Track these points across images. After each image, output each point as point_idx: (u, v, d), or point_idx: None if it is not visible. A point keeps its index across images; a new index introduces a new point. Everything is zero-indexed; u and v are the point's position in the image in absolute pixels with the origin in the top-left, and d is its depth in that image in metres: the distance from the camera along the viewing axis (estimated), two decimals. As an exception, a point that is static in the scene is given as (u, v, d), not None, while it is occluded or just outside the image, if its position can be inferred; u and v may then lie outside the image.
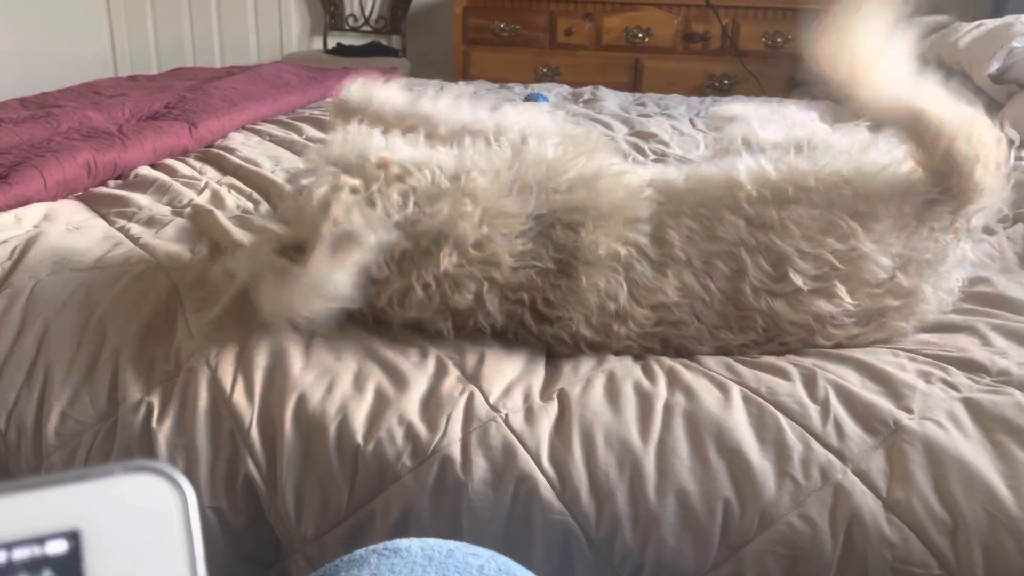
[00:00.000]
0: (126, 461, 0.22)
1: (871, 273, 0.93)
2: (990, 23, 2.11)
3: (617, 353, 0.94)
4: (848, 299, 0.92)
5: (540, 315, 0.92)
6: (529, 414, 0.84)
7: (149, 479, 0.22)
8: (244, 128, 1.85)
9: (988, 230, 1.33)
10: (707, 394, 0.85)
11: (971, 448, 0.77)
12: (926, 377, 0.88)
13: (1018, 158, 1.70)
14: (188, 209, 1.28)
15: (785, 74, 3.81)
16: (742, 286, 0.92)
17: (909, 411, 0.82)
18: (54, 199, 1.31)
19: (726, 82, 3.80)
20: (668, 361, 0.92)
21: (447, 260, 0.87)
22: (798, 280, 0.91)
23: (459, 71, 3.99)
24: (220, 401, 0.86)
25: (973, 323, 1.00)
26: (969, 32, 2.13)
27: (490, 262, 0.89)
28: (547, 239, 0.91)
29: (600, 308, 0.91)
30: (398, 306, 0.91)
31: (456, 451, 0.81)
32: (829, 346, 0.95)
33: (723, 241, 0.93)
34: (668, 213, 0.95)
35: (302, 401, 0.85)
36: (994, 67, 1.91)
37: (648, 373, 0.90)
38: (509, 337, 0.95)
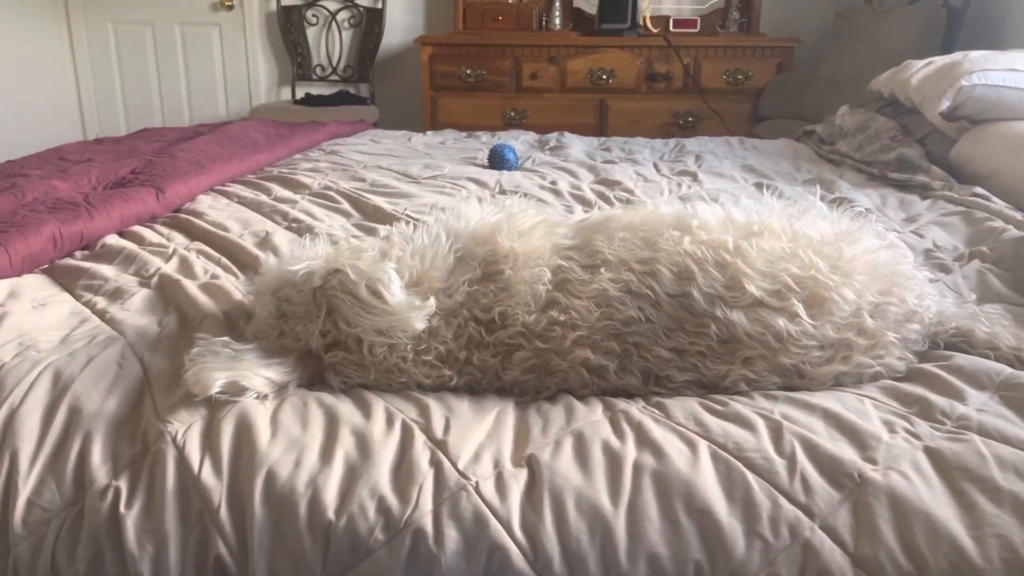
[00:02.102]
0: None
1: (834, 303, 0.98)
2: (940, 61, 2.17)
3: (584, 367, 0.98)
4: (808, 319, 0.97)
5: (486, 323, 1.00)
6: (499, 481, 0.84)
7: None
8: (212, 190, 1.85)
9: (945, 268, 1.36)
10: (675, 452, 0.86)
11: (934, 499, 0.79)
12: (890, 426, 0.89)
13: (972, 195, 1.75)
14: (155, 279, 1.27)
15: (747, 110, 3.89)
16: (690, 290, 0.98)
17: (873, 462, 0.83)
18: (19, 274, 1.30)
19: (690, 119, 3.88)
20: (636, 415, 0.93)
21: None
22: (753, 289, 0.96)
23: (428, 117, 4.03)
24: (188, 481, 0.85)
25: (931, 368, 1.01)
26: (921, 69, 2.20)
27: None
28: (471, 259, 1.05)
29: (534, 296, 1.00)
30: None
31: (428, 523, 0.81)
32: (790, 365, 0.97)
33: (664, 251, 1.01)
34: (594, 229, 1.07)
35: (271, 477, 0.85)
36: (944, 105, 1.97)
37: (617, 430, 0.91)
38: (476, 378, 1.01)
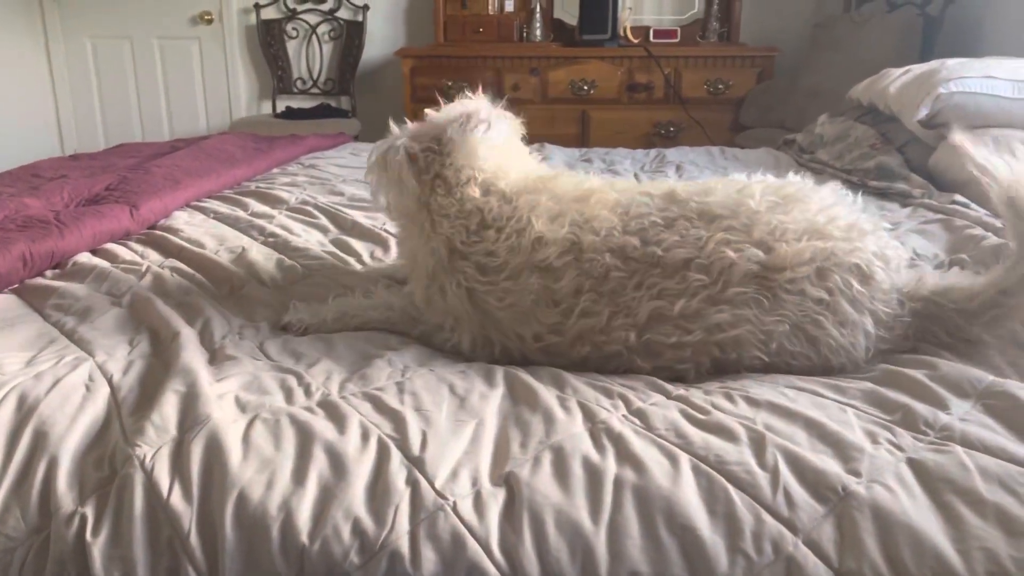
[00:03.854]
0: None
1: (805, 203, 1.09)
2: (917, 69, 2.18)
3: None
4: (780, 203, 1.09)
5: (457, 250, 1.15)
6: (478, 500, 0.82)
7: None
8: (188, 206, 1.83)
9: (926, 276, 1.36)
10: (656, 466, 0.85)
11: (919, 512, 0.78)
12: (872, 437, 0.88)
13: (952, 202, 1.75)
14: (127, 297, 1.25)
15: (728, 119, 3.90)
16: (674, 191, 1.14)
17: (857, 474, 0.82)
18: (-12, 294, 1.28)
19: (671, 129, 3.88)
20: (616, 427, 0.91)
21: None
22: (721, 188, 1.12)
23: (409, 130, 4.02)
24: (157, 506, 0.83)
25: (914, 374, 1.01)
26: (899, 78, 2.20)
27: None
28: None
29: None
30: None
31: (405, 545, 0.79)
32: (765, 235, 1.05)
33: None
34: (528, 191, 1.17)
35: (242, 499, 0.82)
36: (922, 113, 1.98)
37: (597, 443, 0.89)
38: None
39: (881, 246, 1.10)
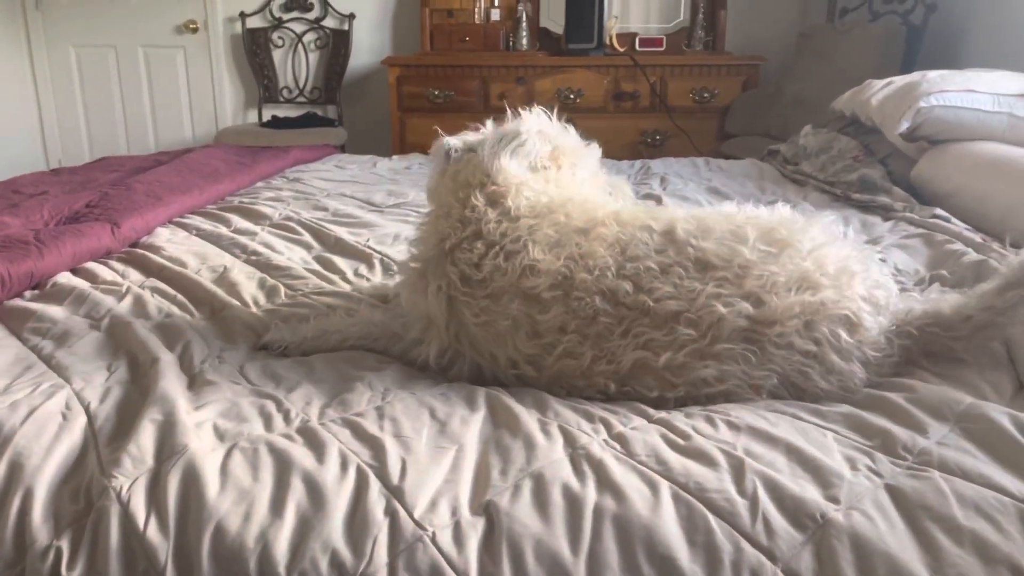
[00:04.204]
0: None
1: (794, 248, 1.09)
2: (899, 81, 2.19)
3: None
4: (772, 251, 1.08)
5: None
6: (457, 530, 0.82)
7: None
8: (171, 222, 1.82)
9: (906, 293, 1.36)
10: (636, 495, 0.84)
11: (897, 540, 0.78)
12: (852, 463, 0.88)
13: (933, 216, 1.76)
14: (106, 320, 1.24)
15: (714, 127, 3.91)
16: (674, 230, 1.12)
17: (836, 501, 0.82)
18: (-35, 317, 1.26)
19: (658, 138, 3.89)
20: (597, 453, 0.91)
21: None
22: (719, 227, 1.11)
23: (396, 138, 4.02)
24: (133, 539, 0.82)
25: (893, 397, 1.01)
26: (880, 90, 2.22)
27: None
28: None
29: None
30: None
31: (383, 577, 0.79)
32: (756, 288, 1.04)
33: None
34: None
35: (219, 532, 0.82)
36: (904, 127, 1.99)
37: (577, 470, 0.89)
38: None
39: (870, 287, 1.09)
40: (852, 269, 1.09)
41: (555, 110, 1.30)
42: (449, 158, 1.23)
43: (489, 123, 1.29)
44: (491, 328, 1.10)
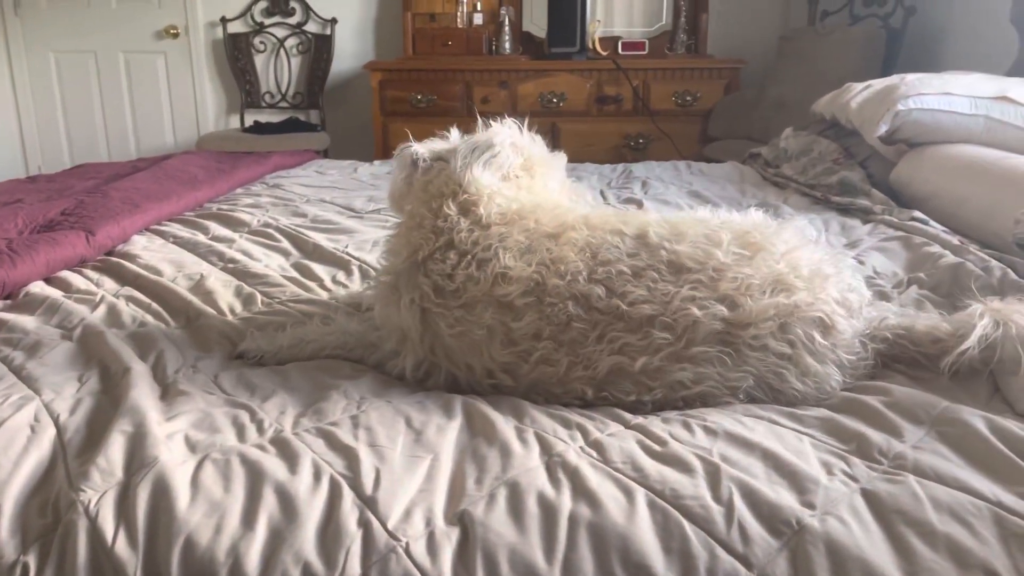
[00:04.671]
0: None
1: (768, 252, 1.08)
2: (878, 84, 2.20)
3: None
4: (745, 253, 1.07)
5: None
6: (431, 541, 0.81)
7: None
8: (148, 230, 1.80)
9: (884, 295, 1.37)
10: (612, 502, 0.84)
11: (872, 545, 0.77)
12: (828, 468, 0.88)
13: (911, 219, 1.77)
14: (78, 330, 1.22)
15: (696, 130, 3.93)
16: (647, 233, 1.11)
17: (811, 507, 0.82)
18: (-65, 328, 1.24)
19: (641, 141, 3.90)
20: (573, 461, 0.91)
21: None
22: (693, 231, 1.10)
23: (379, 142, 4.01)
24: (101, 554, 0.80)
25: (870, 400, 1.01)
26: (860, 93, 2.23)
27: None
28: None
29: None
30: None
31: (356, 589, 0.78)
32: (731, 291, 1.04)
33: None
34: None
35: (189, 545, 0.80)
36: (882, 130, 2.00)
37: (553, 478, 0.88)
38: None
39: (843, 290, 1.09)
40: (825, 272, 1.09)
41: (526, 120, 1.29)
42: (417, 166, 1.22)
43: (454, 130, 1.28)
44: (466, 338, 1.09)
